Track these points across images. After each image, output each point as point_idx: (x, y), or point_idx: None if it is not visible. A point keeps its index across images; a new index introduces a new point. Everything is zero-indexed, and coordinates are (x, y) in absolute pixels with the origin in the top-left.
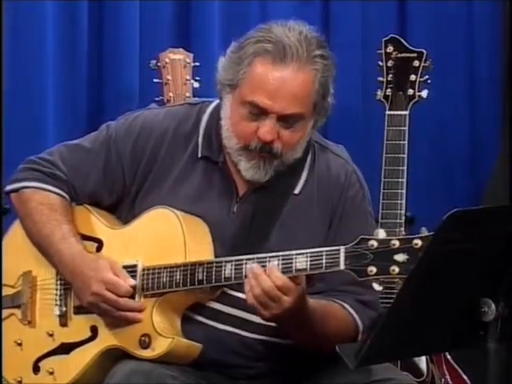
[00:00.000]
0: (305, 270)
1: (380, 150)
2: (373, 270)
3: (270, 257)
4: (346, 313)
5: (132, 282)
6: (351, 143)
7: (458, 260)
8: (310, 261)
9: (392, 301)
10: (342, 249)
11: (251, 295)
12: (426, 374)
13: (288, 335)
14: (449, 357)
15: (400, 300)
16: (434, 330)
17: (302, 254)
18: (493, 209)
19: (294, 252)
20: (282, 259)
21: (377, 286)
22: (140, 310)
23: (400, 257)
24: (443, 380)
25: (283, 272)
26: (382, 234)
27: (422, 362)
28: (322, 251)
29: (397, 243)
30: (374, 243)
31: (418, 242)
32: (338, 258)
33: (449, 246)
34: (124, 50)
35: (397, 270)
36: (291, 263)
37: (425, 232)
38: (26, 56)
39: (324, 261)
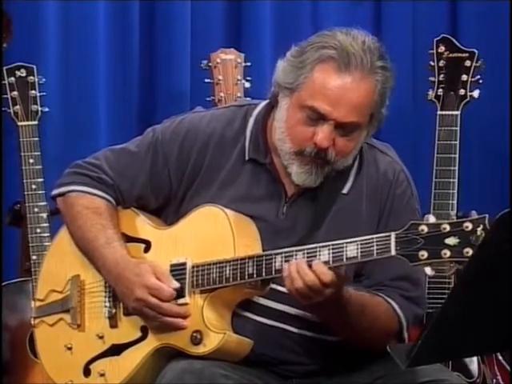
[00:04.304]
0: (356, 257)
1: (431, 150)
2: (424, 254)
3: (320, 247)
4: (387, 306)
5: (175, 284)
6: (402, 143)
7: (509, 259)
8: (361, 248)
9: (443, 301)
10: (393, 234)
11: (292, 288)
12: (477, 374)
13: (329, 327)
14: (500, 357)
15: (451, 300)
16: (485, 330)
17: (353, 242)
18: None
19: (344, 241)
20: (333, 248)
21: (429, 271)
22: (184, 316)
23: (451, 240)
24: (495, 380)
25: (334, 261)
26: (432, 218)
27: (474, 362)
28: (372, 238)
29: (447, 227)
30: (425, 228)
31: (469, 225)
32: (389, 244)
33: (500, 245)
34: (175, 51)
35: (448, 253)
36: (342, 252)
37: (475, 215)
38: (77, 57)
39: (375, 247)
